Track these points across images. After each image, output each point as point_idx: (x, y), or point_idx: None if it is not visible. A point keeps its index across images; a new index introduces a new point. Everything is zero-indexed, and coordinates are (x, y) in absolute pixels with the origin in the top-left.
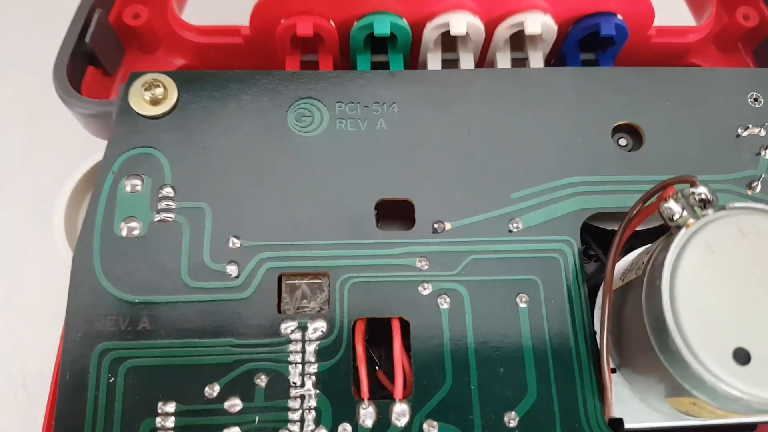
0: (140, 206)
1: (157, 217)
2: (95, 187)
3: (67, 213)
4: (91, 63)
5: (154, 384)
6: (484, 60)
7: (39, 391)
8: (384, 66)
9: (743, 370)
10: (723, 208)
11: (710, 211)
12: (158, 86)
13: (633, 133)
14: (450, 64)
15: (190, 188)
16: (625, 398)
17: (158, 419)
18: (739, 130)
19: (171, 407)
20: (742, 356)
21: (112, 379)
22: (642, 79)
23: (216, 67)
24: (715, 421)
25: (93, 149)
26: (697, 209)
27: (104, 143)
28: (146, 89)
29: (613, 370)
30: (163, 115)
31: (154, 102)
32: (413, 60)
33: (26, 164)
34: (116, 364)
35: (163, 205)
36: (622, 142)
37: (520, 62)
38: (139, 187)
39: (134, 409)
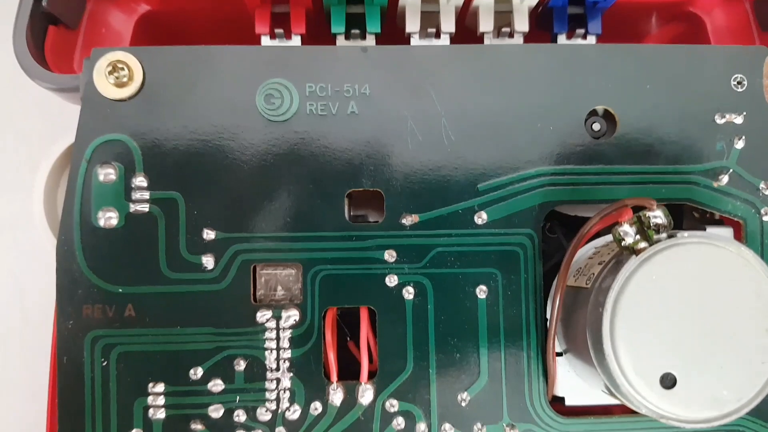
0: (115, 196)
1: (132, 208)
2: (70, 176)
3: (45, 196)
4: (52, 23)
5: (143, 367)
6: (466, 12)
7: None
8: (360, 19)
9: (668, 393)
10: (674, 235)
11: (663, 235)
12: (122, 68)
13: (608, 117)
14: (429, 16)
15: (162, 177)
16: (568, 378)
17: (150, 398)
18: (716, 117)
19: (160, 388)
20: (668, 381)
21: (105, 362)
22: (625, 58)
23: (181, 14)
24: None
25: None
26: (650, 233)
27: (74, 121)
28: (110, 72)
29: (560, 354)
30: (130, 97)
31: (120, 85)
32: (391, 10)
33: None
34: (108, 350)
35: (137, 195)
36: (596, 126)
37: (504, 15)
38: (112, 176)
39: (127, 390)
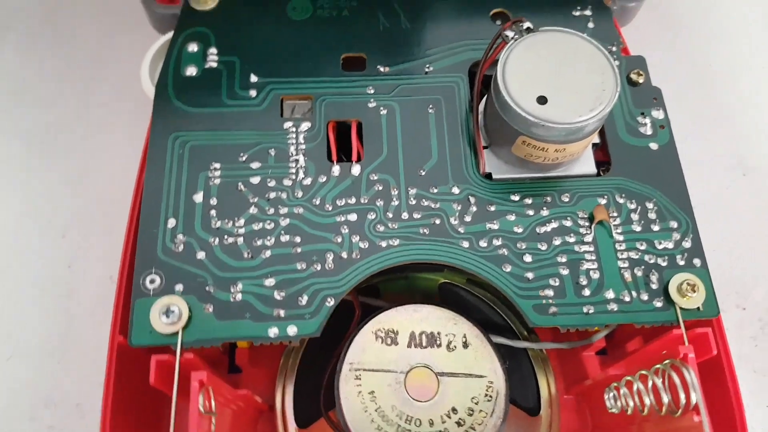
0: (197, 59)
1: (207, 65)
2: (168, 49)
3: (150, 67)
4: None
5: (206, 154)
6: None
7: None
8: None
9: (542, 107)
10: (535, 30)
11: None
12: None
13: (505, 17)
14: None
15: (227, 49)
16: (493, 163)
17: (209, 172)
18: None
19: (217, 165)
20: (542, 100)
21: (181, 151)
22: None
23: None
24: (553, 173)
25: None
26: (524, 33)
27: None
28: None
29: (485, 147)
30: (210, 10)
31: (204, 3)
32: None
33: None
34: (183, 144)
35: (210, 58)
36: (497, 22)
37: None
38: (195, 48)
39: (194, 168)
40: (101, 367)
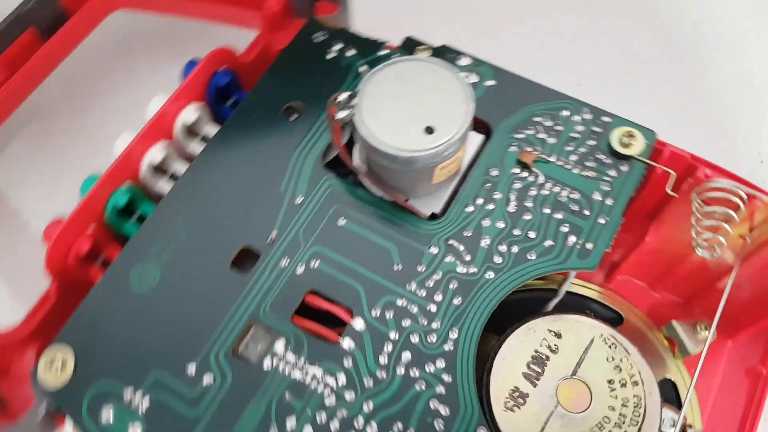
0: (124, 416)
1: (140, 411)
2: None
3: None
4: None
5: None
6: (191, 159)
7: None
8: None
9: (434, 135)
10: (355, 91)
11: (356, 99)
12: (53, 360)
13: (293, 110)
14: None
15: (134, 380)
16: (425, 204)
17: None
18: None
19: None
20: (429, 130)
21: None
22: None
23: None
24: (464, 169)
25: None
26: (350, 101)
27: None
28: (48, 368)
29: (406, 200)
30: (69, 380)
31: (56, 378)
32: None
33: None
34: None
35: (135, 403)
36: (292, 118)
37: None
38: (111, 415)
39: None
40: None
